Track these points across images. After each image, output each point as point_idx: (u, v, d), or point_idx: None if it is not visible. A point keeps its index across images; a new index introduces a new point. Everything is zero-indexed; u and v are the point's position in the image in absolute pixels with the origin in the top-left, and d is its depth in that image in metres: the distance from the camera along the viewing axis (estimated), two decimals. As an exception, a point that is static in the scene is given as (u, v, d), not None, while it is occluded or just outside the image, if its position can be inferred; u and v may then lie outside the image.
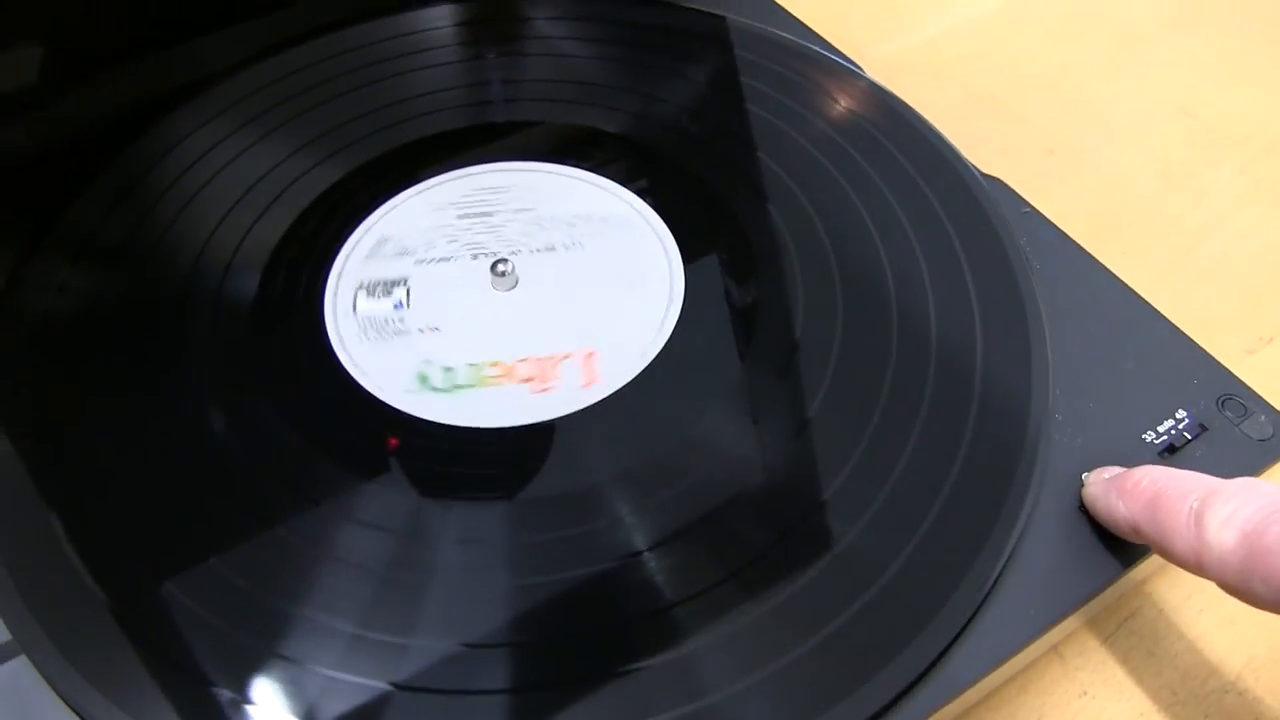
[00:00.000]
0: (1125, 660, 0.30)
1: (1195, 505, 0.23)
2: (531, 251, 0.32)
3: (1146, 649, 0.30)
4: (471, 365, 0.29)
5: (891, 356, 0.29)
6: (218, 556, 0.25)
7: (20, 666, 0.23)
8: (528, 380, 0.28)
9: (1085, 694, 0.29)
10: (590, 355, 0.29)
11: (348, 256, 0.32)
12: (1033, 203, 0.34)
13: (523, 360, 0.29)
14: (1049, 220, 0.33)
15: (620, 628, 0.24)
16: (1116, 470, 0.26)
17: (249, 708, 0.22)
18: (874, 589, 0.25)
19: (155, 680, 0.23)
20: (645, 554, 0.25)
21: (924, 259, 0.31)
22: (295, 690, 0.23)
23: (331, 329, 0.30)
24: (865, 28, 0.49)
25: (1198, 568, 0.23)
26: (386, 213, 0.33)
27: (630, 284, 0.31)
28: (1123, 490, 0.25)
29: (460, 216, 0.33)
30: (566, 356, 0.29)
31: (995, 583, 0.25)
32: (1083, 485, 0.27)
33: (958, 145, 0.35)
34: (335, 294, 0.31)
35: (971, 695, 0.25)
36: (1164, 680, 0.29)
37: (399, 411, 0.28)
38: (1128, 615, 0.30)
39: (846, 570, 0.25)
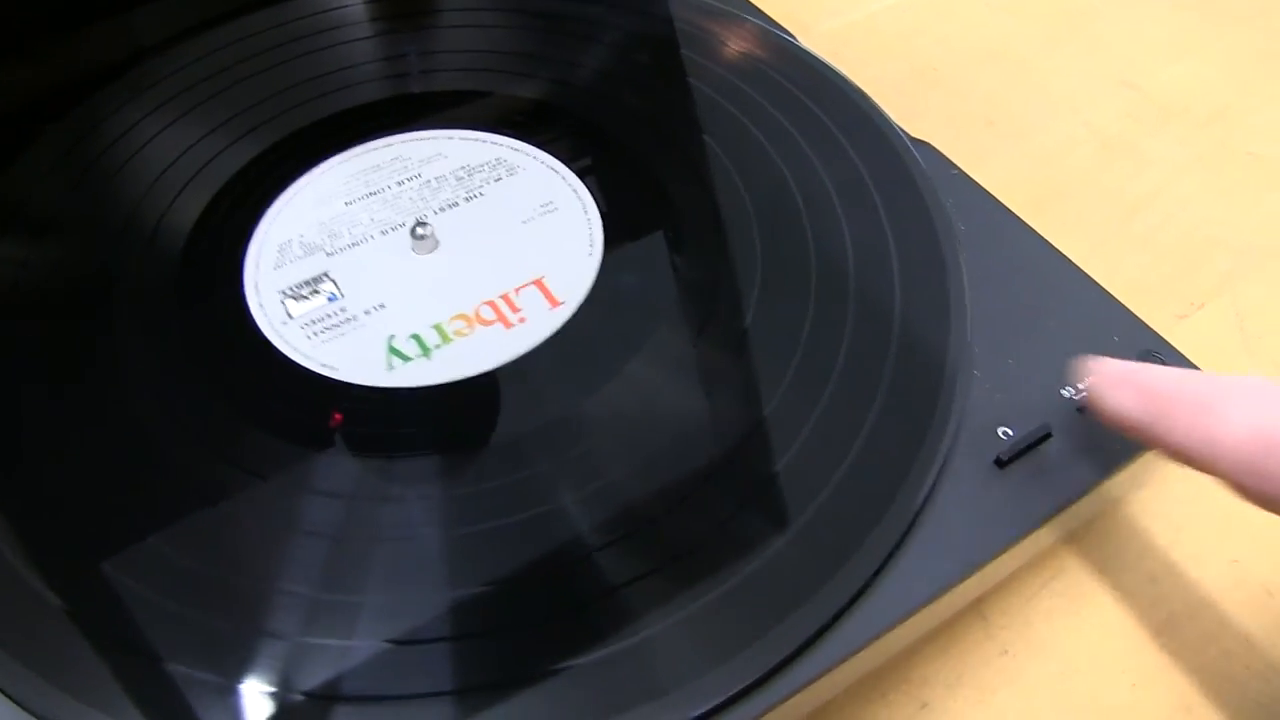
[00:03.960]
0: (1048, 620, 0.30)
1: (1207, 401, 0.23)
2: (436, 212, 0.32)
3: (1070, 609, 0.30)
4: (435, 326, 0.29)
5: (810, 308, 0.29)
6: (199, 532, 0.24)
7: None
8: (496, 321, 0.29)
9: (1006, 653, 0.29)
10: (541, 280, 0.30)
11: (255, 269, 0.31)
12: (973, 173, 0.34)
13: (481, 304, 0.29)
14: (977, 183, 0.33)
15: (554, 573, 0.24)
16: (1118, 364, 0.26)
17: (206, 683, 0.22)
18: (788, 534, 0.25)
19: (106, 665, 0.23)
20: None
21: (845, 216, 0.31)
22: (251, 661, 0.22)
23: (280, 343, 0.29)
24: (810, 4, 0.49)
25: (1209, 463, 0.23)
26: (273, 220, 0.32)
27: (544, 214, 0.32)
28: (1130, 384, 0.25)
29: (348, 203, 0.33)
30: (520, 289, 0.29)
31: (908, 534, 0.25)
32: (1083, 384, 0.27)
33: (900, 117, 0.35)
34: (262, 309, 0.30)
35: (887, 646, 0.25)
36: (1086, 639, 0.29)
37: (387, 389, 0.28)
38: (1051, 575, 0.30)
39: (761, 515, 0.25)
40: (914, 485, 0.25)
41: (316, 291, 0.30)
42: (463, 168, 0.34)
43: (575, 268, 0.30)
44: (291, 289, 0.30)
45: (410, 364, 0.28)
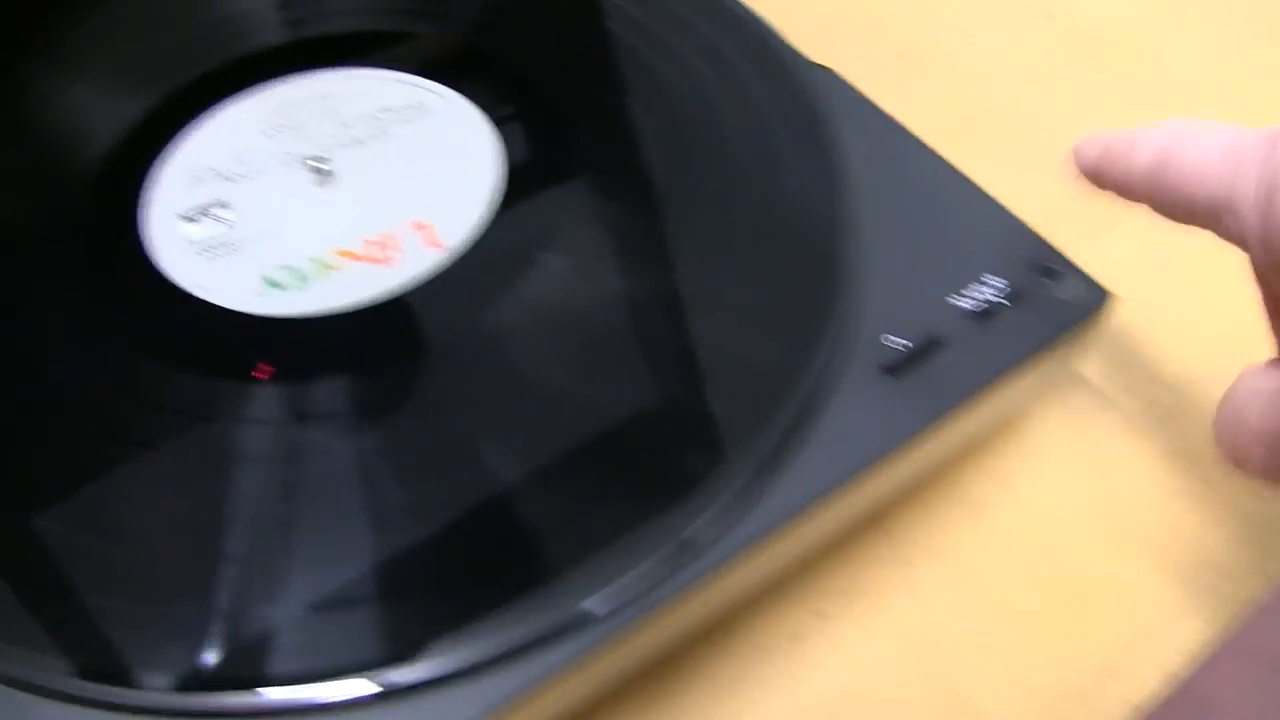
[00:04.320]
0: (949, 530, 0.30)
1: (1134, 138, 0.25)
2: (344, 148, 0.32)
3: (972, 519, 0.30)
4: (315, 258, 0.29)
5: (701, 223, 0.29)
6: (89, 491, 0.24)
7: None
8: (374, 259, 0.29)
9: (907, 564, 0.29)
10: (426, 223, 0.30)
11: (159, 190, 0.31)
12: (890, 102, 0.33)
13: (363, 241, 0.29)
14: (878, 107, 0.33)
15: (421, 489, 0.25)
16: (1112, 134, 0.27)
17: (138, 638, 0.22)
18: (678, 436, 0.25)
19: (43, 625, 0.23)
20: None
21: (740, 138, 0.31)
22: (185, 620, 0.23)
23: (164, 262, 0.29)
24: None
25: (1126, 185, 0.26)
26: (189, 144, 0.33)
27: (446, 158, 0.32)
28: (1094, 139, 0.27)
29: (264, 134, 0.33)
30: (404, 229, 0.29)
31: (796, 435, 0.25)
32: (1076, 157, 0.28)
33: (814, 47, 0.35)
34: (156, 228, 0.30)
35: (781, 549, 0.25)
36: (988, 548, 0.30)
37: (252, 316, 0.28)
38: (953, 488, 0.31)
39: (651, 416, 0.26)
40: (801, 390, 0.26)
41: (211, 216, 0.30)
42: (381, 107, 0.33)
43: (466, 213, 0.30)
44: (188, 212, 0.30)
45: (284, 293, 0.28)
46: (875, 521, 0.30)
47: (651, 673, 0.27)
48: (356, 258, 0.29)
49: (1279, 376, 0.22)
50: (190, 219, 0.30)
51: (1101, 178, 0.27)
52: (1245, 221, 0.22)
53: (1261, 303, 0.26)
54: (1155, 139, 0.25)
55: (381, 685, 0.21)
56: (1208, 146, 0.24)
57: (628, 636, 0.23)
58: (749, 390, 0.26)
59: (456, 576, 0.23)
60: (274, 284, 0.28)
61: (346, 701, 0.21)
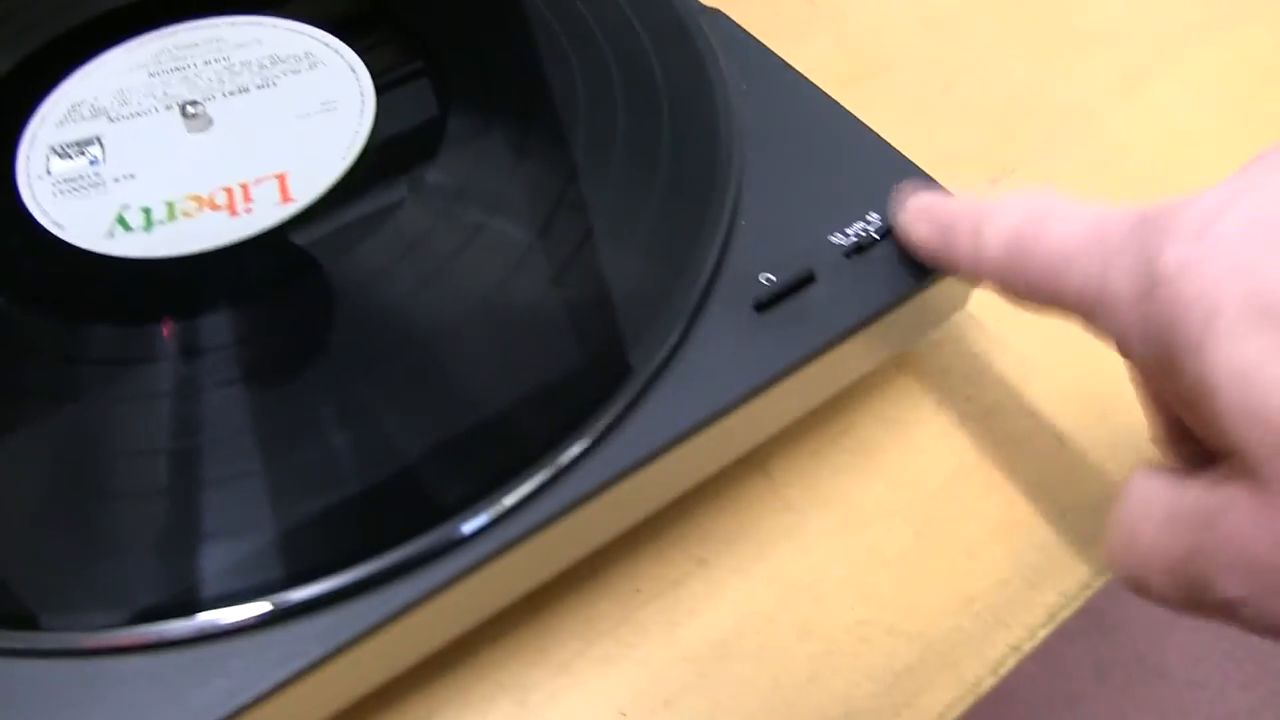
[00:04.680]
0: (834, 475, 0.30)
1: (976, 219, 0.23)
2: (225, 95, 0.32)
3: (858, 465, 0.30)
4: (168, 202, 0.28)
5: (578, 157, 0.29)
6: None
7: None
8: (224, 207, 0.28)
9: (790, 509, 0.29)
10: (283, 176, 0.29)
11: (40, 123, 0.31)
12: (791, 48, 0.33)
13: (218, 189, 0.29)
14: (767, 48, 0.33)
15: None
16: (920, 198, 0.26)
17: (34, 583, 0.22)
18: (543, 366, 0.25)
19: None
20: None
21: (623, 76, 0.31)
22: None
23: (26, 192, 0.29)
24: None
25: (981, 275, 0.24)
26: (79, 80, 0.32)
27: (321, 113, 0.31)
28: (925, 215, 0.26)
29: (152, 75, 0.33)
30: (260, 180, 0.29)
31: (662, 370, 0.25)
32: (896, 214, 0.27)
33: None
34: (28, 160, 0.30)
35: (647, 485, 0.24)
36: (872, 492, 0.29)
37: (97, 255, 0.28)
38: (839, 432, 0.30)
39: (520, 346, 0.25)
40: (668, 324, 0.25)
41: (81, 153, 0.30)
42: (270, 56, 0.33)
43: (324, 170, 0.29)
44: (60, 147, 0.30)
45: (130, 235, 0.28)
46: (758, 466, 0.29)
47: (529, 610, 0.26)
48: (208, 205, 0.28)
49: (1169, 492, 0.19)
50: (62, 154, 0.30)
51: (940, 261, 0.25)
52: (1123, 318, 0.19)
53: (1144, 405, 0.24)
54: (1005, 222, 0.22)
55: (275, 605, 0.21)
56: (1067, 233, 0.21)
57: (499, 559, 0.22)
58: (622, 324, 0.26)
59: (340, 505, 0.23)
60: (124, 225, 0.28)
61: (244, 623, 0.21)
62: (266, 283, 0.27)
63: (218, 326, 0.26)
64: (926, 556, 0.28)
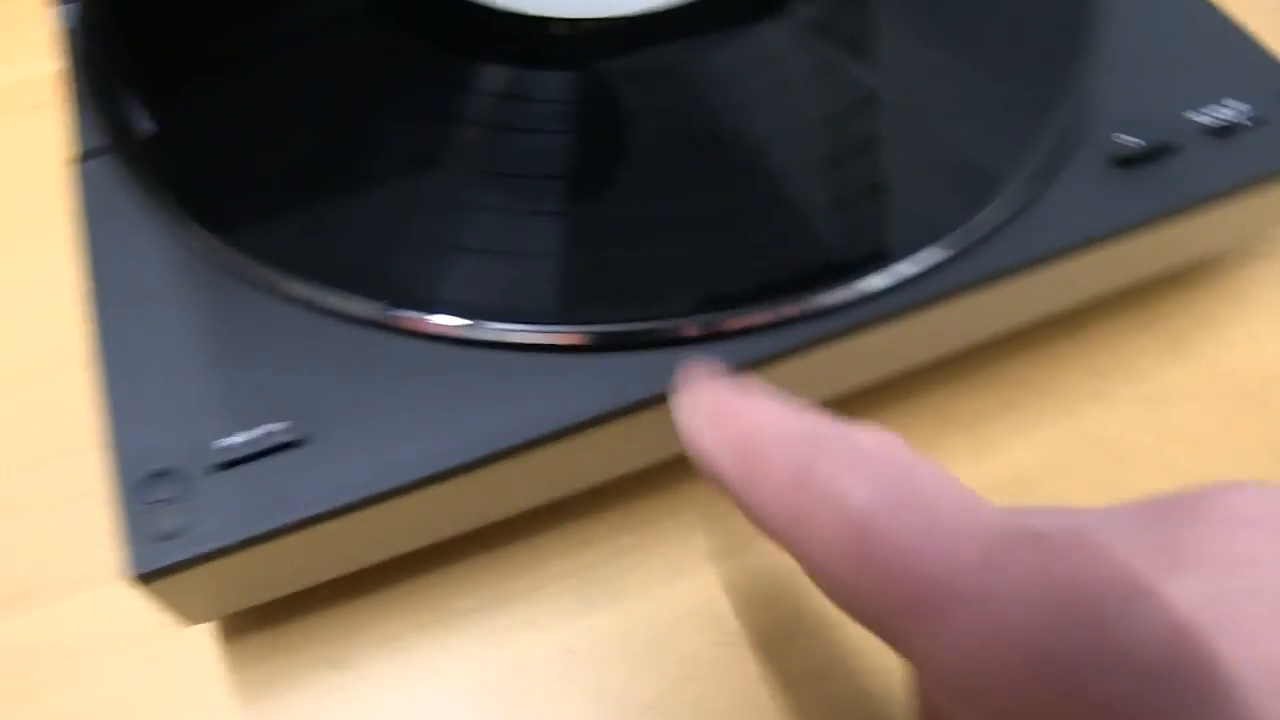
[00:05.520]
0: (1143, 354, 0.30)
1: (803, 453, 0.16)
2: None
3: (1169, 349, 0.30)
4: None
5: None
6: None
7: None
8: None
9: (1099, 374, 0.30)
10: None
11: None
12: None
13: None
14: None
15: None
16: (720, 383, 0.19)
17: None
18: (912, 189, 0.26)
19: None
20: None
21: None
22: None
23: None
24: None
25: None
26: None
27: None
28: (717, 419, 0.18)
29: None
30: None
31: (1022, 208, 0.26)
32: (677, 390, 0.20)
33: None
34: None
35: (986, 305, 0.26)
36: (1182, 376, 0.30)
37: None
38: (1152, 319, 0.31)
39: (892, 170, 0.27)
40: (1031, 163, 0.26)
41: None
42: None
43: None
44: None
45: None
46: (1071, 330, 0.30)
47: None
48: None
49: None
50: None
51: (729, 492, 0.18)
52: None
53: None
54: (855, 502, 0.15)
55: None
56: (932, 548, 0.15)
57: (868, 329, 0.24)
58: (985, 158, 0.27)
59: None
60: None
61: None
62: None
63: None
64: (1231, 447, 0.29)
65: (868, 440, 0.16)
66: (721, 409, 0.18)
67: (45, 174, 0.32)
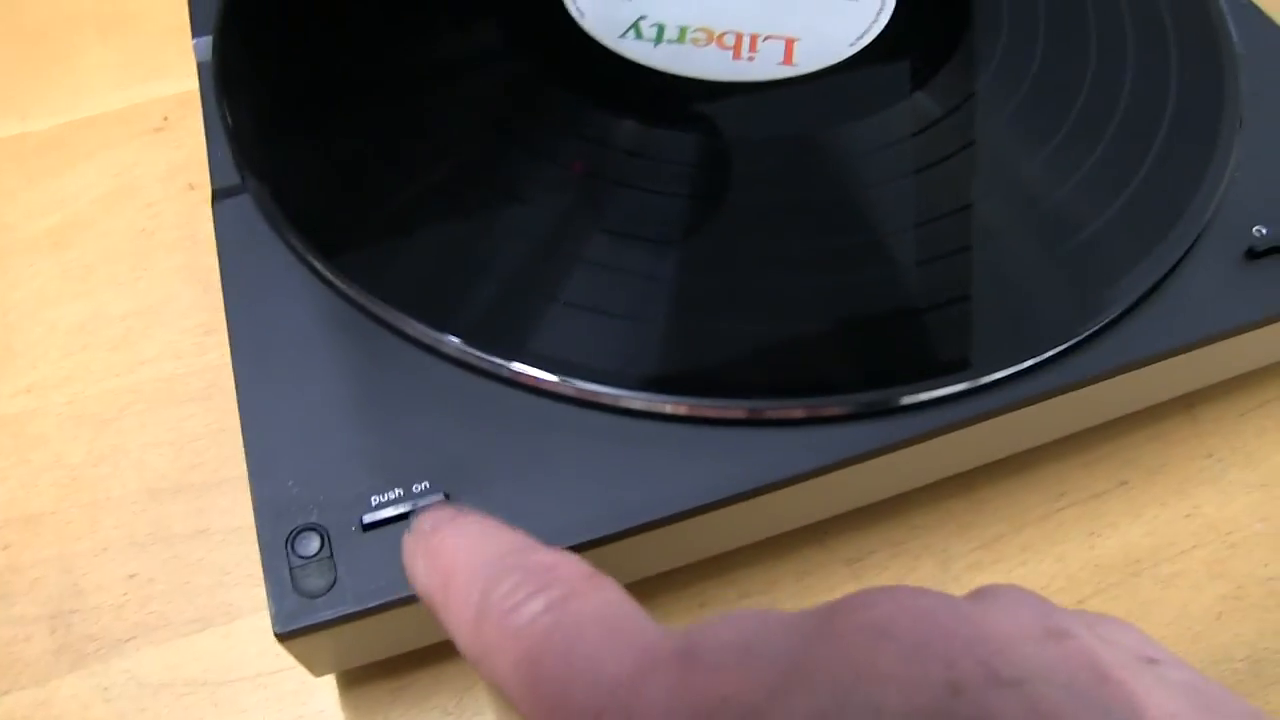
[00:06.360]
0: (1259, 436, 0.30)
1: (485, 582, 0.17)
2: None
3: (1282, 432, 0.30)
4: (682, 26, 0.31)
5: (1085, 93, 0.30)
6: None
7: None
8: (730, 48, 0.30)
9: (1211, 456, 0.30)
10: (791, 41, 0.31)
11: None
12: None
13: (730, 31, 0.31)
14: (1264, 13, 0.33)
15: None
16: (439, 519, 0.19)
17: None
18: (1034, 275, 0.26)
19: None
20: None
21: (1133, 23, 0.31)
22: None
23: None
24: None
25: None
26: None
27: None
28: (424, 558, 0.18)
29: None
30: (769, 38, 0.31)
31: (1150, 293, 0.26)
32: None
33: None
34: None
35: (1100, 399, 0.26)
36: (1299, 465, 0.30)
37: (606, 48, 0.30)
38: (1270, 398, 0.31)
39: (1015, 256, 0.27)
40: (1161, 254, 0.26)
41: None
42: None
43: (830, 49, 0.31)
44: None
45: (638, 42, 0.30)
46: (1186, 410, 0.30)
47: (961, 487, 0.28)
48: (716, 41, 0.31)
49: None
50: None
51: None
52: None
53: None
54: (522, 624, 0.16)
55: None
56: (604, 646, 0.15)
57: (977, 421, 0.24)
58: (1111, 248, 0.27)
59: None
60: (637, 32, 0.31)
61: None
62: (746, 123, 0.29)
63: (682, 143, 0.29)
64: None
65: (544, 560, 0.17)
66: (430, 549, 0.18)
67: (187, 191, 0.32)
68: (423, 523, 0.19)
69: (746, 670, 0.14)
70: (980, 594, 0.16)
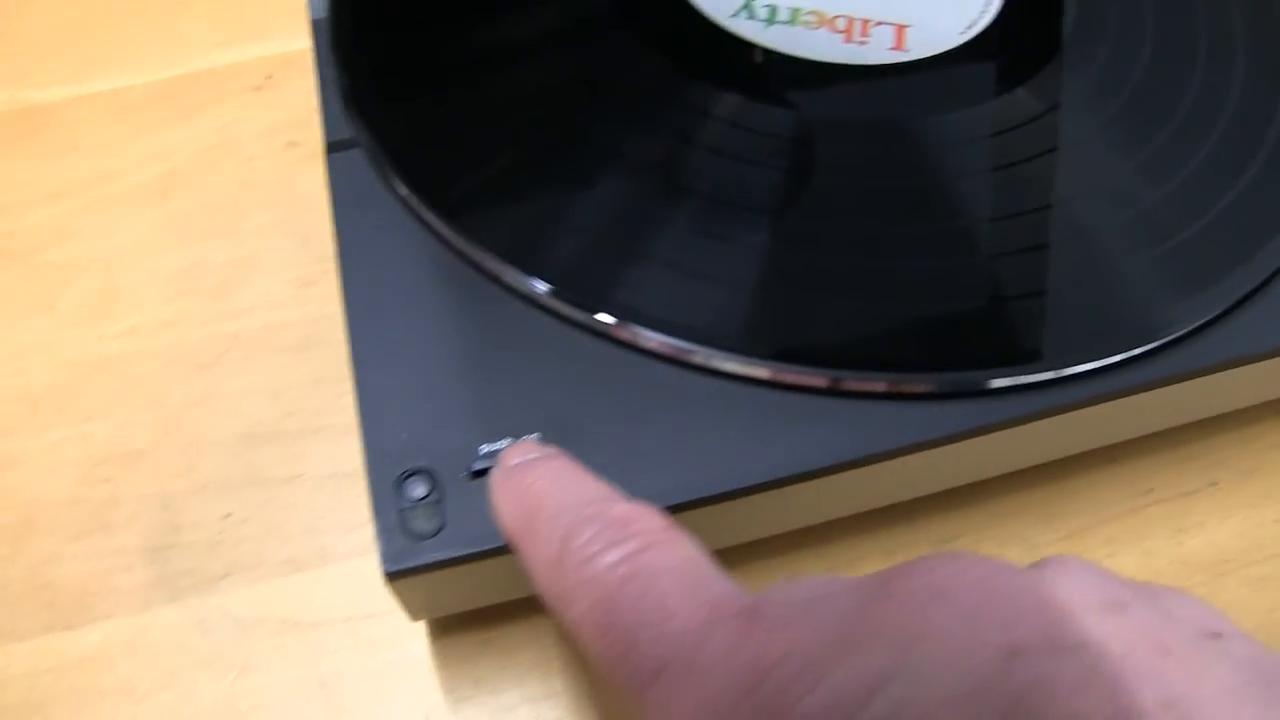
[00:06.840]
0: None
1: (566, 529, 0.17)
2: None
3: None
4: (795, 9, 0.31)
5: (1187, 100, 0.30)
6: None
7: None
8: (842, 31, 0.31)
9: (1305, 462, 0.29)
10: (903, 28, 0.31)
11: None
12: None
13: (842, 15, 0.31)
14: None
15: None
16: (523, 460, 0.20)
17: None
18: (1150, 261, 0.26)
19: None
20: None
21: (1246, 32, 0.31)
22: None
23: None
24: None
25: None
26: None
27: None
28: (508, 497, 0.19)
29: None
30: (881, 23, 0.31)
31: (1247, 297, 0.26)
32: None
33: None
34: None
35: (1185, 396, 0.26)
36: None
37: (718, 26, 0.30)
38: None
39: (1133, 241, 0.27)
40: (1262, 260, 0.26)
41: None
42: None
43: (941, 37, 0.31)
44: None
45: (751, 22, 0.30)
46: (1276, 411, 0.30)
47: (1048, 477, 0.28)
48: (828, 24, 0.31)
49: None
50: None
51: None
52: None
53: None
54: (598, 573, 0.17)
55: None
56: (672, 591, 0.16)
57: (1074, 409, 0.24)
58: (1219, 251, 0.26)
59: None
60: (750, 11, 0.31)
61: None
62: (852, 105, 0.29)
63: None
64: None
65: (625, 513, 0.17)
66: (514, 489, 0.19)
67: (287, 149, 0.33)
68: (509, 457, 0.20)
69: (807, 628, 0.15)
70: (1042, 564, 0.16)
